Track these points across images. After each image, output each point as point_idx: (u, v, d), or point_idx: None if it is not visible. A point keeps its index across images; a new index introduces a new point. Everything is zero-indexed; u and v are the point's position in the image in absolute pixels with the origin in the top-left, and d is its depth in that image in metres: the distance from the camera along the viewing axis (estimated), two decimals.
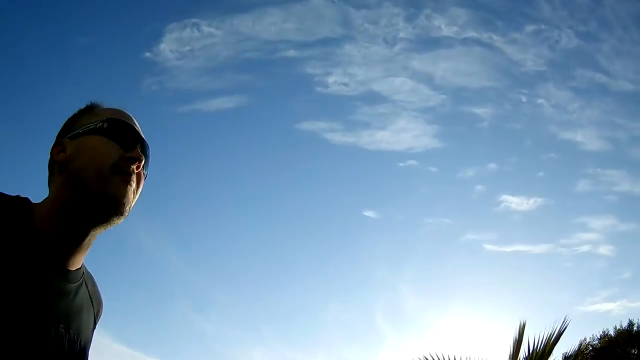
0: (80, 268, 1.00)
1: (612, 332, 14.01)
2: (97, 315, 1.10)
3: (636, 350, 13.58)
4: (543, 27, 20.17)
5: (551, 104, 23.25)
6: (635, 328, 13.66)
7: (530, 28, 20.48)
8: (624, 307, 24.59)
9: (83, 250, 0.98)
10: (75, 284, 0.98)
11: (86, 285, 1.03)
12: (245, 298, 29.36)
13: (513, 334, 6.46)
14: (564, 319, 6.27)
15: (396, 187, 27.32)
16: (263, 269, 28.41)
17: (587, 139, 25.50)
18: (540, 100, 22.97)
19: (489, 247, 25.96)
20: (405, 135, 23.74)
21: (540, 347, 6.34)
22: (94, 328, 1.08)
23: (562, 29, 20.55)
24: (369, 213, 25.37)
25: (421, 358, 6.27)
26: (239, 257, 28.05)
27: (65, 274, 0.95)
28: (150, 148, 1.03)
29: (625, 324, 13.99)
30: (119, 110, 1.03)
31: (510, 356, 6.50)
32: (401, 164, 24.14)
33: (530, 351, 6.38)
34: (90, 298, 1.05)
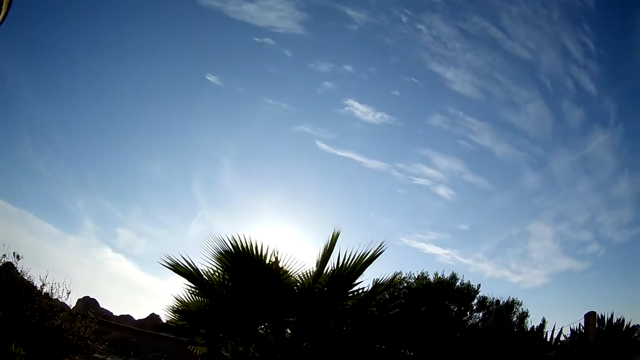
0: None
1: (431, 278, 13.39)
2: None
3: (457, 308, 13.56)
4: None
5: (431, 33, 22.66)
6: (458, 284, 13.46)
7: None
8: (453, 259, 26.31)
9: None
10: None
11: None
12: (82, 144, 27.46)
13: (325, 241, 5.91)
14: (382, 243, 5.81)
15: (245, 60, 25.95)
16: (101, 116, 26.16)
17: (459, 80, 25.61)
18: (420, 26, 22.23)
19: (321, 144, 25.91)
20: (270, 13, 22.15)
21: (350, 262, 5.89)
22: None
23: None
24: (211, 78, 24.05)
25: (229, 239, 5.58)
26: (87, 103, 25.49)
27: None
28: None
29: (447, 275, 13.59)
30: None
31: (317, 262, 6.00)
32: (257, 39, 22.64)
33: (339, 264, 5.90)
34: None
